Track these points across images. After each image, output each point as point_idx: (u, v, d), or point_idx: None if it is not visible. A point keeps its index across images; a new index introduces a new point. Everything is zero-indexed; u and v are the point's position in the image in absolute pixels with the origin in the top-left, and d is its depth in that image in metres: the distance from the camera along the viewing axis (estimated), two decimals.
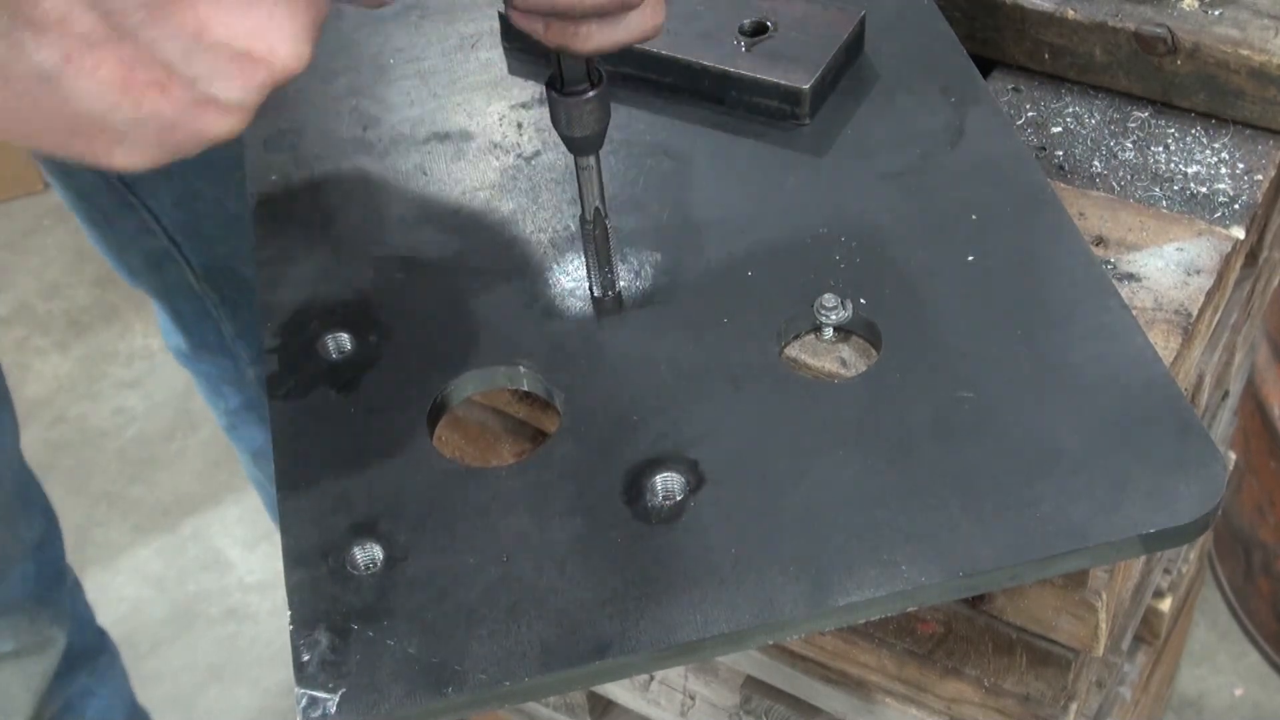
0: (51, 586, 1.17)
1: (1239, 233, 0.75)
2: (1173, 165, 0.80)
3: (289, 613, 0.58)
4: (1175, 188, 0.78)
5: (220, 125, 0.51)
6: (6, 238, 2.46)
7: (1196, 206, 0.77)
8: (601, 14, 0.56)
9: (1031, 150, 0.80)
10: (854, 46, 0.80)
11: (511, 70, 0.84)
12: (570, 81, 0.62)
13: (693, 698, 0.95)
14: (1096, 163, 0.80)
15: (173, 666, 1.83)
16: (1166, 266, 0.73)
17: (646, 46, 0.79)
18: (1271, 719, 1.67)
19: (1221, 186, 0.78)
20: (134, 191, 1.12)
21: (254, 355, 1.30)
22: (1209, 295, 0.72)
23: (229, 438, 1.49)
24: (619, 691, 0.99)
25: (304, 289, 0.72)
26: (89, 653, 1.22)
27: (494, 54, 0.85)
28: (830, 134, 0.77)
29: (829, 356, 0.68)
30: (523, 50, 0.84)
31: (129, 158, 0.52)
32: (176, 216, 1.15)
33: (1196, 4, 0.82)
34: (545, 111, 0.66)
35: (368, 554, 0.60)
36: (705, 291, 0.70)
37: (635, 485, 0.61)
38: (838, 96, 0.79)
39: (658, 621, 0.57)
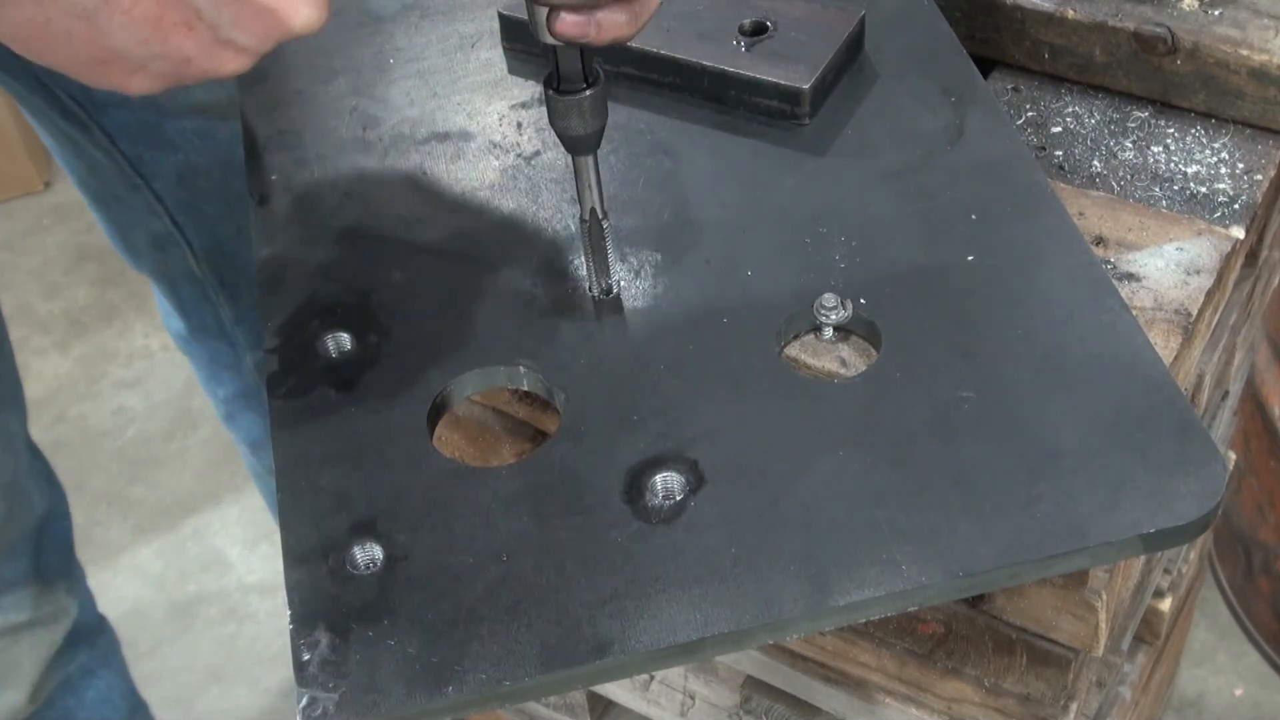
0: (66, 557, 1.18)
1: (1239, 232, 0.75)
2: (1172, 165, 0.80)
3: (289, 613, 0.58)
4: (1175, 187, 0.78)
5: (232, 65, 0.57)
6: (6, 238, 2.46)
7: (1196, 206, 0.77)
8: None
9: (1031, 150, 0.80)
10: (854, 46, 0.80)
11: (511, 70, 0.84)
12: (567, 80, 0.62)
13: (693, 697, 0.95)
14: (1096, 162, 0.80)
15: (172, 666, 1.83)
16: (1166, 266, 0.73)
17: (646, 46, 0.79)
18: (1271, 719, 1.67)
19: (1221, 186, 0.78)
20: (139, 170, 1.13)
21: (252, 341, 1.31)
22: (1209, 295, 0.72)
23: (227, 428, 1.49)
24: (619, 691, 0.99)
25: (304, 289, 0.72)
26: (89, 631, 1.22)
27: (494, 54, 0.85)
28: (830, 134, 0.77)
29: (829, 356, 0.68)
30: (523, 50, 0.84)
31: (143, 84, 0.58)
32: (180, 195, 1.16)
33: (1196, 4, 0.82)
34: (545, 111, 0.66)
35: (368, 554, 0.60)
36: (705, 291, 0.70)
37: (635, 485, 0.61)
38: (837, 96, 0.79)
39: (657, 621, 0.57)
